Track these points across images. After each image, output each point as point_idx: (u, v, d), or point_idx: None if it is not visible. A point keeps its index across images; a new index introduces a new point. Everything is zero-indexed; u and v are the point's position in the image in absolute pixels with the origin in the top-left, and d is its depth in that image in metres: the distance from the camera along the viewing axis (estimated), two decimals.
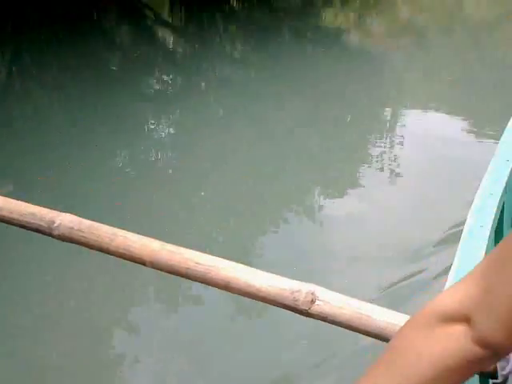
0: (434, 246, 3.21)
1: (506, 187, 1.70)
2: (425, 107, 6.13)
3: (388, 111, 6.07)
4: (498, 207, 1.59)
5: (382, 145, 4.98)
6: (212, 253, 1.01)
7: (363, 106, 5.92)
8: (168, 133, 5.26)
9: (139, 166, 4.36)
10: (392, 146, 4.93)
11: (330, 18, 11.84)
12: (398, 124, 5.65)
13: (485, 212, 1.54)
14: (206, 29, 9.44)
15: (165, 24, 9.84)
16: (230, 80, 6.64)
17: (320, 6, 12.63)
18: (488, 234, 1.43)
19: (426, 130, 5.27)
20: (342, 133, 5.20)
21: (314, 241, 3.44)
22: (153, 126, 5.25)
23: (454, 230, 3.13)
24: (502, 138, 2.04)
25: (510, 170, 1.80)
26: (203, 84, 6.67)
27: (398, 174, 4.32)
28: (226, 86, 6.38)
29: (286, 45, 8.58)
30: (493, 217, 1.52)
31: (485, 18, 13.60)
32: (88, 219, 1.08)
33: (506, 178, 1.73)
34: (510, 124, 2.20)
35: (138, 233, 1.04)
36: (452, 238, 3.00)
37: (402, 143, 5.00)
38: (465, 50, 9.59)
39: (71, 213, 1.09)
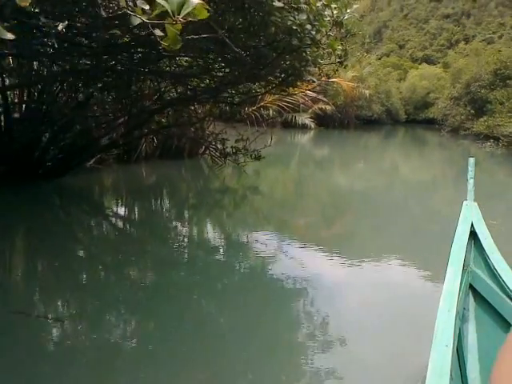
0: None
1: (450, 376, 1.60)
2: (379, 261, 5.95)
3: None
4: None
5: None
6: None
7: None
8: None
9: None
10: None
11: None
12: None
13: None
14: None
15: None
16: None
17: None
18: None
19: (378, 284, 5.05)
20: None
21: None
22: None
23: None
24: (437, 320, 1.91)
25: (450, 355, 1.68)
26: None
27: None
28: None
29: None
30: None
31: (420, 180, 14.32)
32: None
33: (449, 366, 1.63)
34: (441, 305, 2.03)
35: None
36: None
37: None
38: (406, 207, 9.95)
39: None
